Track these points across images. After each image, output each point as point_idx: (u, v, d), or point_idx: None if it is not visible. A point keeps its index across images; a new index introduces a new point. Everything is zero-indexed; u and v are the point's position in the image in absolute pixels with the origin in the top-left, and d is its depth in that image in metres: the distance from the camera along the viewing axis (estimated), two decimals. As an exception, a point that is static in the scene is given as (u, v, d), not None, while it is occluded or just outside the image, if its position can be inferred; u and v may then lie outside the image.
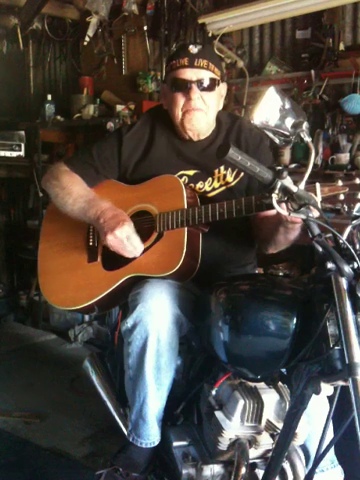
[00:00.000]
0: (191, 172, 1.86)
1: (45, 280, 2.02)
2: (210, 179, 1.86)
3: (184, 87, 1.78)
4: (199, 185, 1.85)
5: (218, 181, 1.86)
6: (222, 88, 1.89)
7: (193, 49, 1.77)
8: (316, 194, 1.34)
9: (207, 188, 1.86)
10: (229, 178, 1.86)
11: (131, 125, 1.98)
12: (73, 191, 1.86)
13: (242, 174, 1.85)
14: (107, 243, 1.74)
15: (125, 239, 1.72)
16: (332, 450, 1.60)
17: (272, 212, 1.64)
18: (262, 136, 1.87)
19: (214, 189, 1.86)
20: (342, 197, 1.33)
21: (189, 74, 1.77)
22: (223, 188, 1.86)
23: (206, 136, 1.89)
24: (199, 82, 1.77)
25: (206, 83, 1.78)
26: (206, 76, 1.78)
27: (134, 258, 1.78)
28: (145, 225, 1.80)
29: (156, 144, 1.90)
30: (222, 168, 1.85)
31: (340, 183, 1.35)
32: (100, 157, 1.92)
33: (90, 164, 1.92)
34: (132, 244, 1.74)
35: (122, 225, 1.72)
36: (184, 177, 1.85)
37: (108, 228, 1.73)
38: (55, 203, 1.93)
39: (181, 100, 1.79)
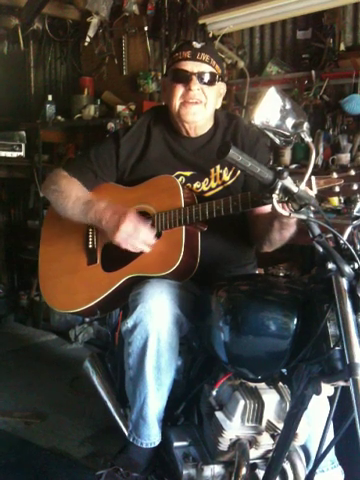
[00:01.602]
0: (188, 173, 1.86)
1: (46, 283, 2.03)
2: (207, 179, 1.86)
3: (185, 78, 1.79)
4: (196, 185, 1.86)
5: (215, 181, 1.86)
6: (221, 87, 1.90)
7: (196, 44, 1.80)
8: (312, 188, 1.34)
9: (204, 188, 1.86)
10: (225, 177, 1.86)
11: (128, 128, 1.98)
12: (71, 194, 1.87)
13: (239, 172, 1.86)
14: (117, 243, 1.74)
15: (133, 232, 1.72)
16: (332, 450, 1.60)
17: (267, 209, 1.63)
18: (259, 135, 1.86)
19: (211, 189, 1.86)
20: (337, 189, 1.33)
21: (190, 66, 1.78)
22: (220, 187, 1.86)
23: (203, 132, 1.90)
24: (200, 75, 1.78)
25: (207, 77, 1.79)
26: (207, 70, 1.79)
27: (133, 259, 1.78)
28: None
29: (153, 144, 1.90)
30: (218, 167, 1.85)
31: (335, 175, 1.35)
32: (98, 161, 1.92)
33: (88, 168, 1.92)
34: (141, 238, 1.73)
35: (124, 220, 1.71)
36: (181, 177, 1.85)
37: (113, 228, 1.73)
38: (55, 209, 1.93)
39: (180, 90, 1.80)
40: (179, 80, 1.80)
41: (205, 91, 1.80)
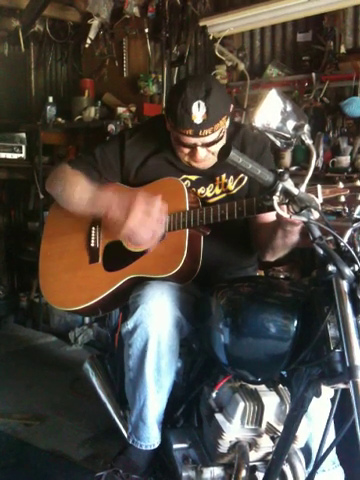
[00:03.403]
0: (193, 177, 1.86)
1: (46, 281, 2.02)
2: (212, 185, 1.85)
3: (189, 147, 1.73)
4: (200, 190, 1.85)
5: (219, 188, 1.85)
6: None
7: (197, 117, 1.65)
8: (317, 196, 1.34)
9: (208, 194, 1.85)
10: (230, 186, 1.85)
11: (134, 130, 1.96)
12: (78, 186, 1.84)
13: (243, 182, 1.85)
14: (129, 228, 1.67)
15: (144, 214, 1.67)
16: (334, 451, 1.60)
17: (271, 217, 1.64)
18: (266, 143, 1.85)
19: (215, 195, 1.86)
20: (343, 199, 1.34)
21: (194, 141, 1.70)
22: (224, 195, 1.86)
23: None
24: (205, 145, 1.71)
25: (212, 142, 1.71)
26: (212, 138, 1.70)
27: (135, 259, 1.78)
28: None
29: (157, 156, 1.88)
30: (224, 176, 1.85)
31: (341, 185, 1.35)
32: (103, 161, 1.91)
33: (93, 167, 1.91)
34: (152, 216, 1.67)
35: (134, 203, 1.67)
36: (187, 181, 1.85)
37: (125, 211, 1.67)
38: (60, 201, 1.92)
39: (186, 151, 1.76)
40: (183, 146, 1.74)
41: (212, 149, 1.74)
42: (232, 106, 1.81)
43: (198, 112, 1.65)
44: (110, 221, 1.75)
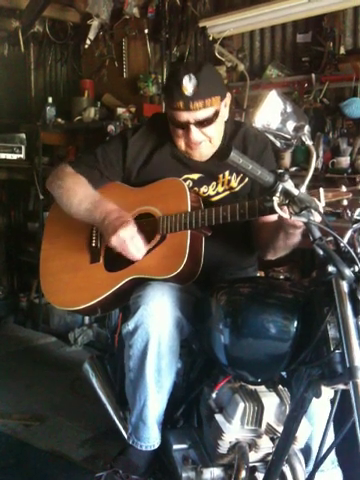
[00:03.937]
0: (195, 176, 1.86)
1: (46, 281, 2.02)
2: (214, 183, 1.85)
3: (182, 126, 1.74)
4: (203, 189, 1.85)
5: (222, 185, 1.85)
6: (226, 100, 1.81)
7: (188, 89, 1.66)
8: (320, 199, 1.35)
9: (211, 192, 1.85)
10: (233, 183, 1.85)
11: (136, 129, 1.96)
12: (79, 193, 1.85)
13: (246, 180, 1.85)
14: (110, 243, 1.74)
15: (128, 240, 1.72)
16: (333, 451, 1.60)
17: (273, 218, 1.64)
18: (267, 142, 1.85)
19: (218, 193, 1.85)
20: (345, 203, 1.34)
21: (186, 116, 1.70)
22: (227, 193, 1.86)
23: None
24: (197, 122, 1.71)
25: (205, 121, 1.71)
26: (204, 114, 1.70)
27: (136, 260, 1.78)
28: (148, 227, 1.80)
29: (161, 151, 1.88)
30: (227, 173, 1.85)
31: (344, 189, 1.36)
32: (105, 160, 1.91)
33: (94, 167, 1.91)
34: (135, 245, 1.73)
35: (126, 226, 1.71)
36: (188, 181, 1.85)
37: (112, 229, 1.73)
38: (60, 204, 1.92)
39: (181, 134, 1.76)
40: (177, 126, 1.75)
41: (206, 132, 1.74)
42: (229, 95, 1.82)
43: (189, 84, 1.66)
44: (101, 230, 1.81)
